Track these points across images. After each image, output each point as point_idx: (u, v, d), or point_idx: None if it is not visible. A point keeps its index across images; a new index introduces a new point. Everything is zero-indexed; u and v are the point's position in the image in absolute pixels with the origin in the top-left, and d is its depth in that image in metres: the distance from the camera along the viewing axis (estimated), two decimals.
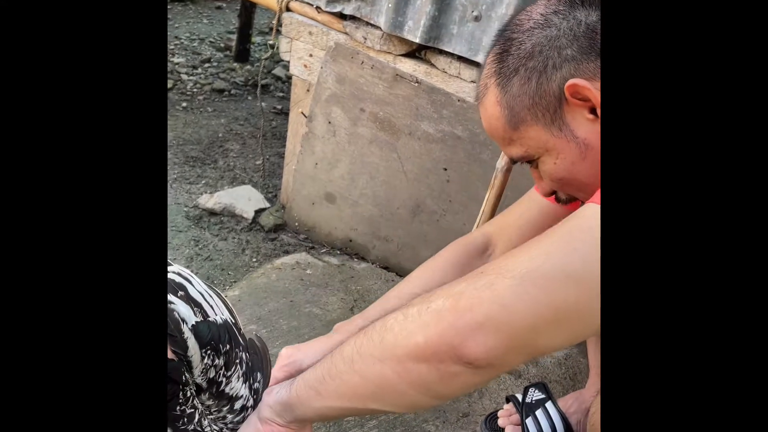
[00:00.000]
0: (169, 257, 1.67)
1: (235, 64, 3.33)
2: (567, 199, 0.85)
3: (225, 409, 0.72)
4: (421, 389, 0.62)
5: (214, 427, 0.71)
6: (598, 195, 0.59)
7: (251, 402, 0.74)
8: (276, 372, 0.82)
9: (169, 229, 1.82)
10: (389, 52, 1.54)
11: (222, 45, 3.63)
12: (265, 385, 0.77)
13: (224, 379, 0.70)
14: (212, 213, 1.93)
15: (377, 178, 1.65)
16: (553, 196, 0.86)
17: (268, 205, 1.98)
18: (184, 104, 2.77)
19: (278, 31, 1.76)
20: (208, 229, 1.86)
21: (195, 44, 3.58)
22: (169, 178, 2.12)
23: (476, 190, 1.51)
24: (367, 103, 1.60)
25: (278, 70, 3.30)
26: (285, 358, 0.84)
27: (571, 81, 0.71)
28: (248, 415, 0.75)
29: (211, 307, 0.70)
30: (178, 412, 0.64)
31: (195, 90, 2.95)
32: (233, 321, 0.74)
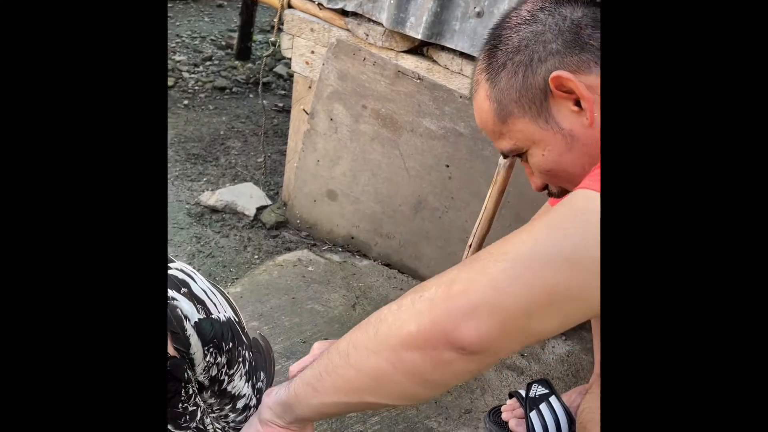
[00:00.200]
0: (171, 254, 1.67)
1: (236, 62, 3.33)
2: (559, 192, 0.86)
3: (227, 407, 0.72)
4: (415, 379, 0.61)
5: (217, 425, 0.71)
6: (585, 182, 0.60)
7: (254, 401, 0.74)
8: (307, 360, 0.81)
9: (170, 226, 1.82)
10: (391, 49, 1.54)
11: (223, 43, 3.63)
12: (269, 384, 0.77)
13: (226, 378, 0.70)
14: (214, 210, 1.93)
15: (379, 175, 1.65)
16: (547, 191, 0.87)
17: (269, 202, 1.98)
18: (186, 102, 2.77)
19: (280, 29, 1.76)
20: (209, 226, 1.86)
21: (196, 42, 3.58)
22: (170, 175, 2.12)
23: (478, 187, 1.51)
24: (369, 99, 1.60)
25: (280, 68, 3.29)
26: (317, 350, 0.83)
27: (555, 73, 0.72)
28: (251, 414, 0.74)
29: (214, 304, 0.69)
30: (180, 410, 0.64)
31: (196, 88, 2.95)
32: (236, 319, 0.74)
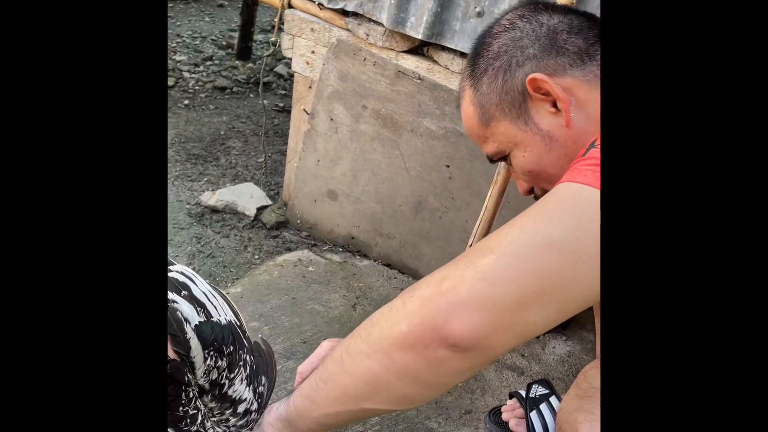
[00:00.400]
0: (171, 254, 1.67)
1: (237, 62, 3.33)
2: (543, 194, 0.87)
3: (228, 411, 0.71)
4: (409, 380, 0.61)
5: (218, 429, 0.71)
6: (566, 176, 0.62)
7: (255, 406, 0.74)
8: (314, 359, 0.81)
9: (171, 227, 1.82)
10: (391, 49, 1.54)
11: (224, 43, 3.63)
12: (270, 389, 0.77)
13: (227, 381, 0.69)
14: (214, 210, 1.93)
15: (379, 175, 1.65)
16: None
17: (270, 202, 1.98)
18: (186, 102, 2.77)
19: (280, 29, 1.76)
20: (210, 226, 1.86)
21: (197, 42, 3.58)
22: (171, 175, 2.12)
23: (479, 187, 1.50)
24: (370, 99, 1.60)
25: (280, 68, 3.29)
26: (325, 347, 0.83)
27: (531, 75, 0.76)
28: (252, 419, 0.74)
29: (215, 307, 0.69)
30: (181, 413, 0.64)
31: (197, 88, 2.95)
32: (238, 323, 0.73)
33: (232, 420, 0.72)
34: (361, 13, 1.55)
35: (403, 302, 0.61)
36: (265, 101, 2.59)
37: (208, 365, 0.66)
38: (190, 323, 0.64)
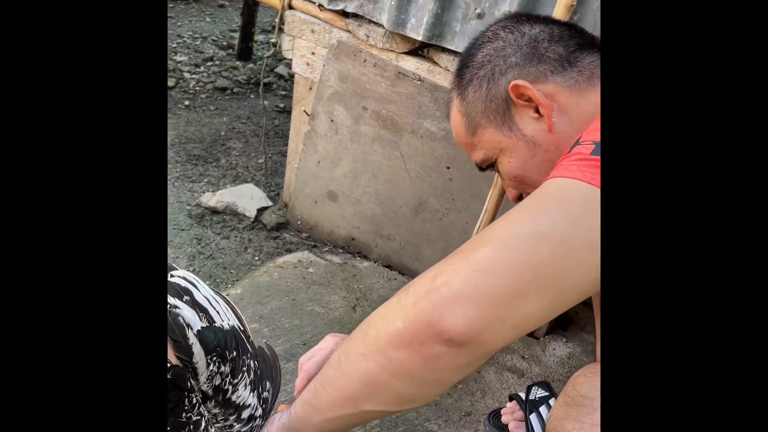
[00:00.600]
0: (171, 256, 1.67)
1: (237, 63, 3.33)
2: None
3: (232, 418, 0.70)
4: (406, 379, 0.60)
5: None
6: (553, 173, 0.63)
7: (260, 411, 0.73)
8: (316, 351, 0.81)
9: (171, 228, 1.81)
10: (392, 50, 1.54)
11: (224, 43, 3.62)
12: (275, 394, 0.76)
13: (231, 387, 0.68)
14: (214, 211, 1.93)
15: (380, 176, 1.65)
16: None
17: (270, 203, 1.98)
18: (187, 102, 2.77)
19: (281, 29, 1.76)
20: (210, 227, 1.86)
21: (197, 42, 3.58)
22: (171, 176, 2.12)
23: (479, 188, 1.50)
24: (370, 101, 1.59)
25: (281, 69, 3.29)
26: (327, 342, 0.83)
27: (513, 82, 0.79)
28: (256, 425, 0.74)
29: (218, 312, 0.69)
30: (184, 419, 0.63)
31: (197, 88, 2.95)
32: (241, 328, 0.73)
33: (236, 426, 0.71)
34: (361, 14, 1.55)
35: (398, 300, 0.62)
36: (265, 102, 2.59)
37: (211, 371, 0.65)
38: (192, 328, 0.63)
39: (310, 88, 1.75)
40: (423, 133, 1.55)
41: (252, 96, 2.99)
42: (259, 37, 3.78)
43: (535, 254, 0.56)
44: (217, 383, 0.67)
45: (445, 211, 1.59)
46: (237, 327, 0.71)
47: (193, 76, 3.06)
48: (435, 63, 1.51)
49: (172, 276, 0.68)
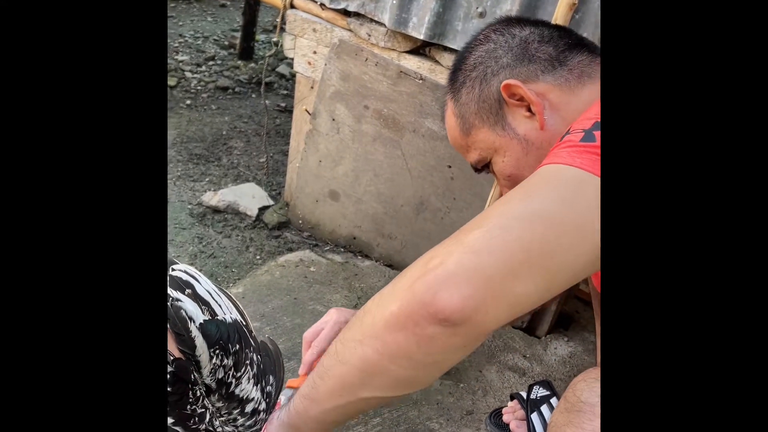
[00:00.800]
0: (173, 255, 1.67)
1: (239, 62, 3.33)
2: None
3: (236, 411, 0.70)
4: (402, 361, 0.60)
5: (226, 429, 0.70)
6: (545, 161, 0.65)
7: (263, 405, 0.73)
8: (320, 325, 0.82)
9: (173, 227, 1.82)
10: (393, 49, 1.54)
11: (226, 43, 3.63)
12: (279, 388, 0.76)
13: (234, 381, 0.68)
14: (216, 210, 1.93)
15: (381, 175, 1.65)
16: None
17: (271, 202, 1.98)
18: (188, 102, 2.77)
19: (282, 29, 1.76)
20: (212, 226, 1.86)
21: (199, 42, 3.58)
22: (173, 175, 2.12)
23: (481, 187, 1.50)
24: (371, 100, 1.59)
25: (282, 68, 3.29)
26: (331, 315, 0.85)
27: (505, 81, 0.81)
28: (260, 419, 0.74)
29: (220, 306, 0.69)
30: (189, 411, 0.63)
31: (199, 88, 2.95)
32: (243, 322, 0.73)
33: (240, 420, 0.71)
34: (363, 13, 1.55)
35: (393, 285, 0.63)
36: (267, 101, 2.59)
37: (214, 364, 0.65)
38: (194, 321, 0.63)
39: (312, 87, 1.75)
40: (424, 132, 1.55)
41: (253, 95, 2.99)
42: (260, 37, 3.78)
43: (528, 234, 0.57)
44: (220, 376, 0.67)
45: (447, 210, 1.59)
46: (239, 321, 0.71)
47: (195, 75, 3.06)
48: (437, 62, 1.51)
49: (173, 270, 0.68)
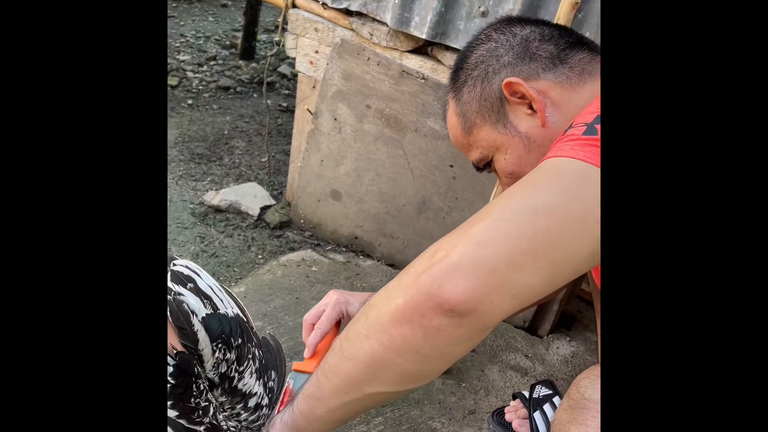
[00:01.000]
0: (175, 254, 1.67)
1: (240, 62, 3.33)
2: None
3: (239, 406, 0.70)
4: (408, 355, 0.60)
5: (230, 423, 0.70)
6: (548, 155, 0.65)
7: (266, 400, 0.73)
8: (320, 307, 0.83)
9: (174, 226, 1.82)
10: (395, 49, 1.54)
11: (227, 42, 3.63)
12: (281, 384, 0.76)
13: (236, 375, 0.68)
14: (218, 210, 1.93)
15: (383, 175, 1.65)
16: None
17: (273, 202, 1.98)
18: (190, 102, 2.77)
19: (284, 28, 1.76)
20: (213, 226, 1.86)
21: (200, 42, 3.58)
22: (174, 175, 2.12)
23: (483, 187, 1.50)
24: (373, 99, 1.59)
25: (284, 68, 3.29)
26: (330, 297, 0.88)
27: (506, 79, 0.81)
28: (263, 414, 0.73)
29: (221, 300, 0.68)
30: (193, 404, 0.63)
31: (200, 87, 2.95)
32: (244, 318, 0.73)
33: (243, 414, 0.71)
34: (365, 12, 1.55)
35: (398, 280, 0.63)
36: (268, 101, 2.59)
37: (217, 358, 0.65)
38: (197, 315, 0.63)
39: (314, 87, 1.75)
40: (426, 132, 1.55)
41: (255, 95, 2.99)
42: (262, 36, 3.78)
43: (531, 225, 0.57)
44: (223, 370, 0.67)
45: (449, 210, 1.59)
46: (240, 316, 0.71)
47: (196, 75, 3.07)
48: (439, 61, 1.51)
49: (174, 265, 0.68)
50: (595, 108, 0.68)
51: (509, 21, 0.89)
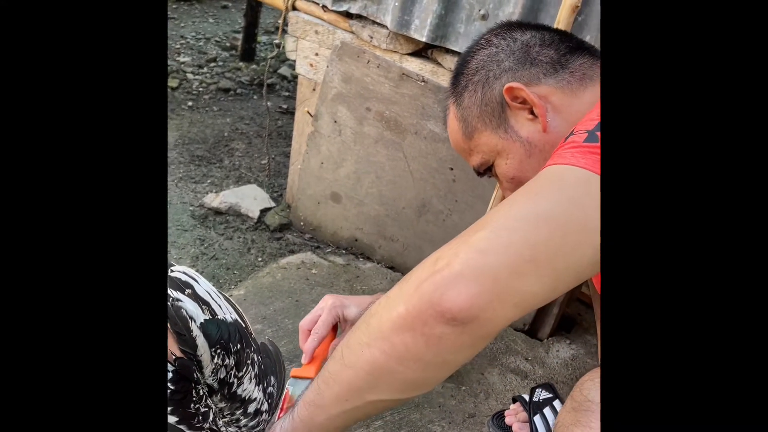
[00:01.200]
0: (174, 256, 1.67)
1: (240, 64, 3.33)
2: None
3: (238, 411, 0.70)
4: (410, 363, 0.60)
5: (230, 429, 0.70)
6: (549, 162, 0.65)
7: (265, 406, 0.73)
8: (316, 312, 0.83)
9: (174, 228, 1.81)
10: (395, 51, 1.54)
11: (228, 44, 3.63)
12: (280, 389, 0.76)
13: (236, 380, 0.68)
14: (218, 212, 1.93)
15: (383, 177, 1.65)
16: None
17: (273, 204, 1.98)
18: (190, 103, 2.77)
19: (284, 30, 1.76)
20: (213, 228, 1.86)
21: (201, 43, 3.59)
22: (174, 177, 2.12)
23: (482, 190, 1.50)
24: (373, 102, 1.59)
25: (284, 70, 3.29)
26: (325, 301, 0.88)
27: (507, 84, 0.81)
28: (263, 419, 0.73)
29: (219, 306, 0.68)
30: (192, 410, 0.63)
31: (201, 89, 2.95)
32: (243, 324, 0.73)
33: (243, 420, 0.71)
34: (365, 15, 1.55)
35: (399, 287, 0.63)
36: (268, 103, 2.60)
37: (216, 363, 0.65)
38: (195, 321, 0.63)
39: (314, 89, 1.75)
40: (426, 134, 1.55)
41: (255, 97, 2.99)
42: (262, 38, 3.79)
43: (533, 233, 0.57)
44: (222, 376, 0.67)
45: (449, 213, 1.59)
46: (239, 322, 0.71)
47: (197, 77, 3.07)
48: (439, 64, 1.51)
49: (172, 271, 0.67)
50: (596, 114, 0.68)
51: (510, 26, 0.90)
